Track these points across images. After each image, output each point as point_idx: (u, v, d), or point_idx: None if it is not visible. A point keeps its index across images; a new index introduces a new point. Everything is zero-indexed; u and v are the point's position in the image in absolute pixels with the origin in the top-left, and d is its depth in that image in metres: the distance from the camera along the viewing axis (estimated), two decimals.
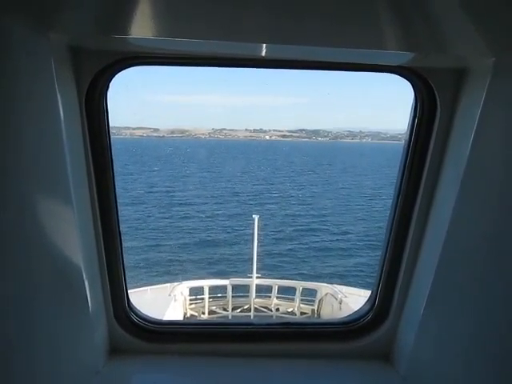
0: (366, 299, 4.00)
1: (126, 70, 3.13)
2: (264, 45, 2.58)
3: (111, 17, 2.31)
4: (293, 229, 37.98)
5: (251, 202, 47.05)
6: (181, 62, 3.09)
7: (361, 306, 4.04)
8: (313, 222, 40.48)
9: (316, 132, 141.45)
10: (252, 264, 16.84)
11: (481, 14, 2.07)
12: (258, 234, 17.96)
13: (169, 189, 53.00)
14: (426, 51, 2.68)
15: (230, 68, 3.24)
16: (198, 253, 31.14)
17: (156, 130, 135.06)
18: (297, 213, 43.71)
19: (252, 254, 17.18)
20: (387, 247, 3.64)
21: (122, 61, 3.01)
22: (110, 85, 3.13)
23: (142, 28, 2.39)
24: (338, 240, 34.67)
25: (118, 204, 3.45)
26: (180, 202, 46.59)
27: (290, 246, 33.27)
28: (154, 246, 32.22)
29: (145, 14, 2.22)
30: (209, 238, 34.80)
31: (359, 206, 45.58)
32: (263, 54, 2.74)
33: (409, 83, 3.18)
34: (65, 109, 2.65)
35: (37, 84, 2.42)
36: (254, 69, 3.16)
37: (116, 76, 3.11)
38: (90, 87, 2.99)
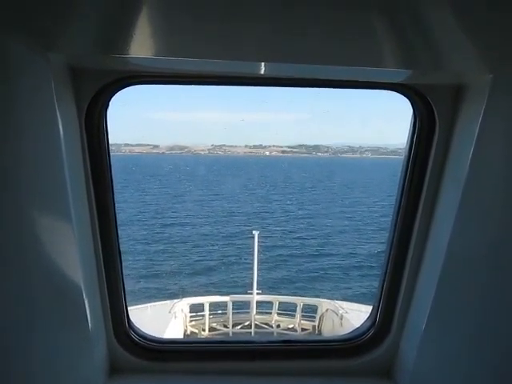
0: (368, 315, 3.98)
1: (126, 88, 3.13)
2: (263, 63, 2.58)
3: (110, 36, 2.32)
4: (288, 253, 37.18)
5: (249, 224, 44.95)
6: (180, 80, 3.10)
7: (362, 321, 4.03)
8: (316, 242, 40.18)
9: (316, 147, 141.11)
10: (252, 280, 16.78)
11: (478, 31, 2.09)
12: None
13: (160, 208, 52.65)
14: (423, 68, 2.70)
15: (230, 86, 3.27)
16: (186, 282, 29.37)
17: (156, 146, 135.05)
18: (298, 235, 42.78)
19: (252, 270, 17.13)
20: (388, 262, 3.63)
21: (122, 80, 3.03)
22: (110, 103, 3.14)
23: (141, 47, 2.40)
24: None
25: (118, 221, 3.43)
26: (172, 222, 45.96)
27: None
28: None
29: (144, 33, 2.24)
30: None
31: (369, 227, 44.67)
32: (262, 72, 2.75)
33: (407, 99, 3.19)
34: (65, 127, 2.66)
35: (36, 103, 2.44)
36: (254, 87, 3.11)
37: (115, 95, 3.12)
38: (90, 106, 3.00)
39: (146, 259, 32.91)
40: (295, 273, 31.77)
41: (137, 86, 3.15)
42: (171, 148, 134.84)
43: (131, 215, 46.05)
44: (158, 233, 41.53)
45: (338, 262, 33.87)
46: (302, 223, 47.35)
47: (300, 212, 53.34)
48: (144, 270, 29.72)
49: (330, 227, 45.35)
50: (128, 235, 37.59)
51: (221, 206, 55.53)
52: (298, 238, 41.59)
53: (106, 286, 3.49)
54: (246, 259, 29.84)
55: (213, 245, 38.48)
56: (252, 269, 17.30)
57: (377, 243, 36.06)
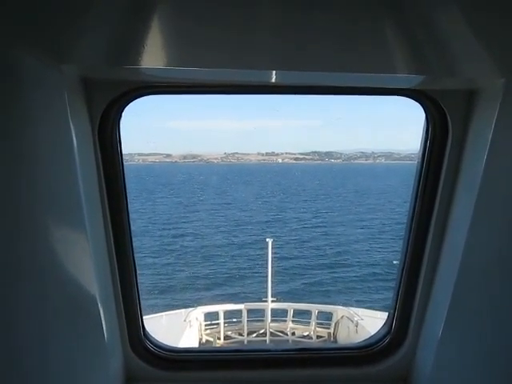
0: (383, 322, 3.96)
1: (138, 99, 3.14)
2: (274, 71, 2.58)
3: (123, 48, 2.34)
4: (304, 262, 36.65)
5: (262, 234, 43.81)
6: (192, 90, 3.10)
7: (378, 328, 4.00)
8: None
9: (329, 154, 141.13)
10: (267, 288, 16.76)
11: (490, 36, 2.08)
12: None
13: (172, 218, 52.74)
14: (436, 74, 2.67)
15: (241, 95, 3.22)
16: None
17: (168, 155, 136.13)
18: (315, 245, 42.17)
19: (266, 278, 17.10)
20: (403, 269, 3.61)
21: (134, 90, 3.04)
22: (123, 114, 3.15)
23: (153, 58, 2.40)
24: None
25: (132, 232, 3.44)
26: (183, 233, 45.93)
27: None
28: None
29: (156, 44, 2.25)
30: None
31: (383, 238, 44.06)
32: (274, 80, 2.74)
33: (420, 105, 3.17)
34: (78, 138, 2.67)
35: (50, 114, 2.45)
36: (266, 95, 3.16)
37: (128, 106, 3.13)
38: (103, 117, 3.01)
39: (154, 273, 32.50)
40: (308, 286, 31.38)
41: (149, 96, 3.15)
42: (184, 157, 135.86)
43: (141, 226, 46.02)
44: (168, 244, 41.33)
45: (354, 273, 33.65)
46: (317, 232, 47.05)
47: (314, 220, 53.01)
48: (151, 286, 29.42)
49: (346, 236, 44.96)
50: (139, 247, 37.37)
51: (234, 215, 55.45)
52: (313, 247, 41.23)
53: (120, 295, 3.49)
54: (259, 271, 29.81)
55: (224, 256, 38.16)
56: (266, 276, 17.27)
57: (394, 252, 35.38)
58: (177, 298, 27.68)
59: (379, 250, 39.68)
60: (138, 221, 47.44)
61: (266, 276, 17.23)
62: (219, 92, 3.13)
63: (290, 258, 36.94)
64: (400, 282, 3.65)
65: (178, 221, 51.64)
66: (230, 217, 54.77)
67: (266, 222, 52.37)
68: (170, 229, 47.26)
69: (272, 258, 17.68)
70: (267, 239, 18.10)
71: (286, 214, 56.76)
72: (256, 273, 31.65)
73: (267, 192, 76.18)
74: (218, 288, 30.37)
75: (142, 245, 38.59)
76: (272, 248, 17.80)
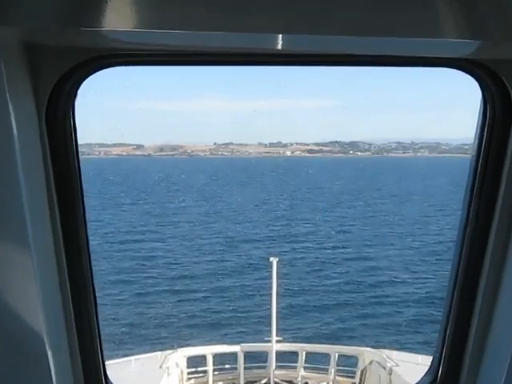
0: (427, 368, 3.94)
1: (100, 72, 3.14)
2: (280, 35, 2.56)
3: (78, 4, 2.32)
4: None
5: (264, 256, 41.64)
6: (171, 60, 3.16)
7: (419, 377, 3.99)
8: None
9: (354, 144, 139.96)
10: (270, 324, 16.70)
11: None
12: None
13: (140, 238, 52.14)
14: (495, 39, 2.64)
15: (237, 66, 3.47)
16: None
17: (139, 146, 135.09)
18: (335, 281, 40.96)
19: (270, 310, 17.10)
20: (452, 300, 3.63)
21: (94, 61, 3.03)
22: (79, 92, 3.15)
23: (119, 18, 2.40)
24: None
25: (91, 249, 3.49)
26: (150, 255, 45.51)
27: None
28: None
29: None
30: None
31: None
32: (279, 47, 2.72)
33: (474, 80, 3.17)
34: (18, 125, 2.66)
35: None
36: (269, 66, 3.30)
37: (86, 80, 3.13)
38: (53, 96, 3.01)
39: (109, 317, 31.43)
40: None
41: (114, 69, 3.16)
42: (160, 148, 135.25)
43: (92, 245, 44.37)
44: (126, 271, 41.04)
45: (392, 315, 33.53)
46: (338, 253, 46.65)
47: (335, 237, 52.68)
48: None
49: (377, 260, 44.57)
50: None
51: (225, 229, 55.27)
52: (331, 276, 40.94)
53: (75, 333, 3.49)
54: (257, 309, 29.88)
55: (209, 291, 37.70)
56: (269, 307, 17.39)
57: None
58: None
59: (425, 280, 39.47)
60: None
61: (270, 307, 17.29)
62: (207, 62, 3.20)
63: (298, 294, 36.87)
64: (448, 317, 3.67)
65: (146, 238, 51.49)
66: (221, 231, 54.54)
67: (269, 238, 52.18)
68: (130, 250, 47.04)
69: (277, 282, 17.88)
70: (271, 258, 18.25)
71: (296, 228, 56.50)
72: (255, 310, 31.68)
73: (271, 196, 75.86)
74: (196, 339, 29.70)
75: None
76: (278, 269, 17.94)
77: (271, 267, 17.86)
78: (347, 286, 38.58)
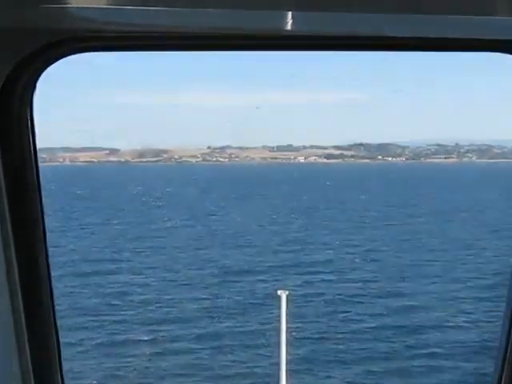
0: None
1: (64, 59, 3.34)
2: (290, 13, 2.89)
3: None
4: None
5: (270, 292, 41.05)
6: (154, 44, 3.41)
7: None
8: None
9: (383, 148, 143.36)
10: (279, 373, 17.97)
11: None
12: None
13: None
14: None
15: (235, 51, 3.60)
16: None
17: (114, 151, 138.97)
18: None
19: (279, 366, 18.39)
20: (507, 350, 4.09)
21: (58, 45, 3.20)
22: (38, 82, 3.43)
23: None
24: None
25: (52, 278, 3.92)
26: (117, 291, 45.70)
27: None
28: None
29: None
30: None
31: None
32: (288, 27, 3.08)
33: None
34: None
35: None
36: (276, 52, 3.65)
37: (47, 69, 3.37)
38: (5, 88, 3.23)
39: None
40: None
41: (83, 55, 3.44)
42: (140, 154, 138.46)
43: (55, 279, 45.72)
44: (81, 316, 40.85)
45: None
46: (365, 288, 46.49)
47: (360, 268, 52.51)
48: None
49: (421, 296, 44.18)
50: None
51: (221, 257, 55.80)
52: (360, 320, 40.44)
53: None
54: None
55: (197, 342, 37.19)
56: (278, 363, 18.47)
57: None
58: None
59: (485, 324, 38.72)
60: None
61: (278, 359, 18.46)
62: (200, 47, 3.59)
63: (315, 341, 36.40)
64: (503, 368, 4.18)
65: (118, 268, 52.00)
66: (215, 259, 55.18)
67: (277, 268, 52.40)
68: (96, 285, 47.27)
69: (287, 324, 19.00)
70: (279, 292, 19.70)
71: (311, 255, 56.95)
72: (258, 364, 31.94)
73: (279, 214, 77.10)
74: None
75: None
76: (288, 307, 19.18)
77: (279, 303, 18.92)
78: (379, 332, 38.60)
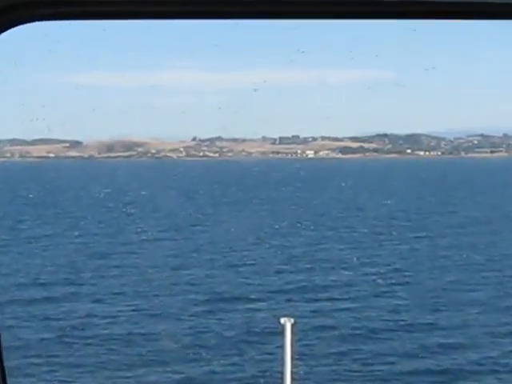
0: None
1: (14, 29, 3.19)
2: None
3: None
4: None
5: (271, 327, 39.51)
6: (123, 12, 3.30)
7: None
8: None
9: (413, 140, 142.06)
10: None
11: None
12: None
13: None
14: None
15: (224, 20, 3.52)
16: None
17: (76, 143, 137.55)
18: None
19: None
20: None
21: (6, 11, 3.07)
22: None
23: None
24: None
25: None
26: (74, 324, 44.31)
27: None
28: None
29: None
30: None
31: None
32: None
33: None
34: None
35: None
36: (277, 20, 3.49)
37: None
38: None
39: None
40: None
41: (35, 25, 3.25)
42: (109, 147, 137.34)
43: None
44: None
45: None
46: (389, 319, 45.25)
47: (383, 293, 51.33)
48: None
49: (464, 330, 42.80)
50: None
51: (209, 279, 55.01)
52: (384, 362, 38.69)
53: None
54: None
55: None
56: None
57: None
58: None
59: None
60: None
61: None
62: (183, 15, 3.37)
63: None
64: None
65: (75, 294, 50.97)
66: (201, 282, 54.32)
67: (280, 293, 51.25)
68: (45, 317, 45.96)
69: (292, 362, 18.69)
70: (282, 320, 19.25)
71: (323, 276, 55.95)
72: None
73: (282, 224, 76.69)
74: None
75: None
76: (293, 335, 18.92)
77: (283, 334, 18.68)
78: (407, 377, 36.90)
